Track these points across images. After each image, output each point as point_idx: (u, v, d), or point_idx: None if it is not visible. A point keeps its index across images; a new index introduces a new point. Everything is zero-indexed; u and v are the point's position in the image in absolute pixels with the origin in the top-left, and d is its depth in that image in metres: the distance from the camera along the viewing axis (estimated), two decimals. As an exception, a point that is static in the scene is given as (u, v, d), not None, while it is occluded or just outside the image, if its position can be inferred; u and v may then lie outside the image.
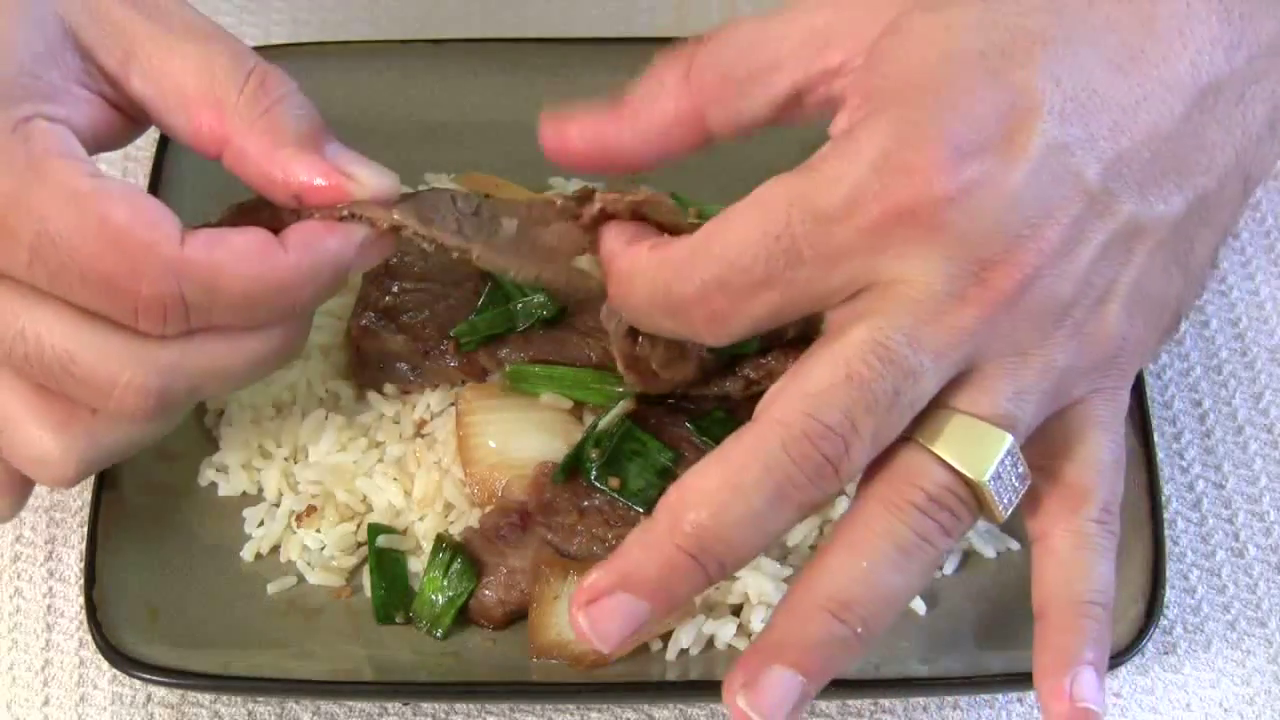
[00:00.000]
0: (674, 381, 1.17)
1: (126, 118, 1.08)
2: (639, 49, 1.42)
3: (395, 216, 1.07)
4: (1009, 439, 1.02)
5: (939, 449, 1.02)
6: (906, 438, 1.02)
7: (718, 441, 1.18)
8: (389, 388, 1.25)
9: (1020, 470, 1.04)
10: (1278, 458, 1.29)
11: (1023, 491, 1.05)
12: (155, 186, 1.31)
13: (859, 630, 1.01)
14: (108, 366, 1.03)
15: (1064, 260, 1.01)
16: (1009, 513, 1.04)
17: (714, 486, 1.00)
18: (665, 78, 1.09)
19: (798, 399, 1.00)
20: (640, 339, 1.14)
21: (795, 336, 1.13)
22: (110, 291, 1.01)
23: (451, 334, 1.24)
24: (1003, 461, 1.02)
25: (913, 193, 0.98)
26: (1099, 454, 1.07)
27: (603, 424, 1.20)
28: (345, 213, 1.06)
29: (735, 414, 1.19)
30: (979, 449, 1.02)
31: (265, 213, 1.08)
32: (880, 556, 1.01)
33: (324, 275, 1.06)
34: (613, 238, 1.08)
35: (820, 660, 1.01)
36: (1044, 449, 1.07)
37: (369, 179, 1.07)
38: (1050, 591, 1.07)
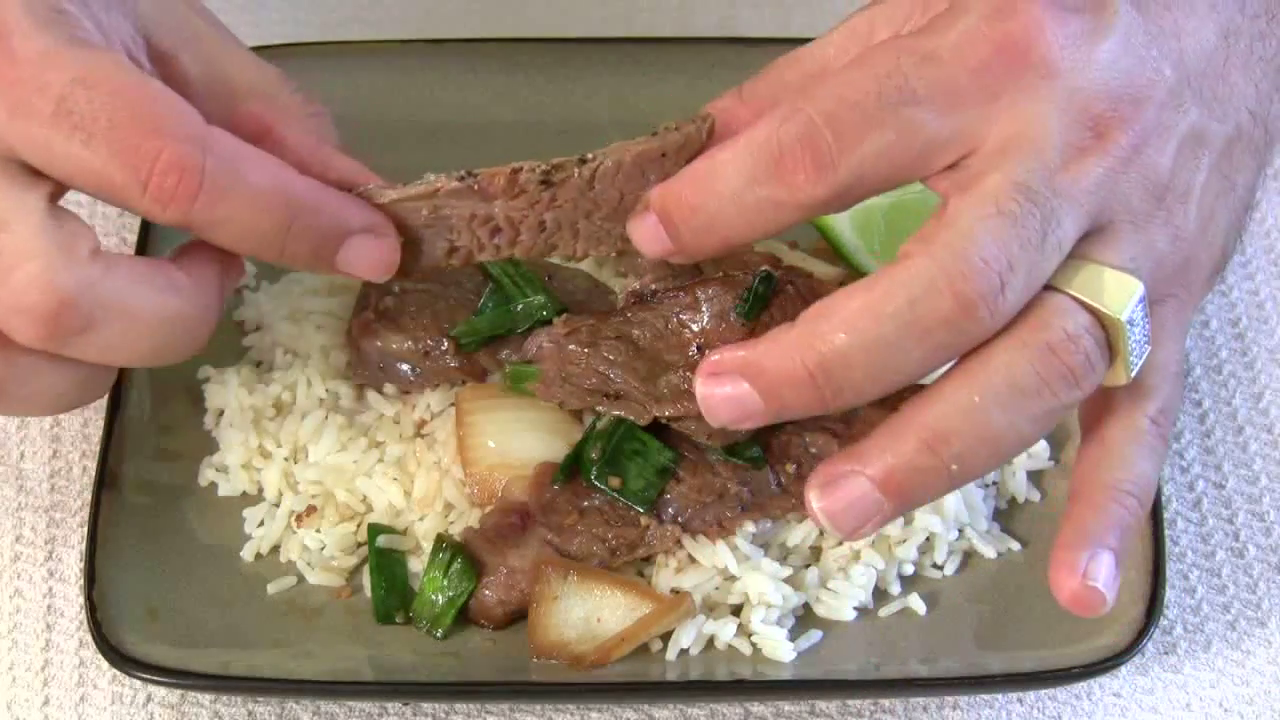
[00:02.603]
0: (753, 427, 1.18)
1: None
2: (639, 49, 1.44)
3: (392, 195, 1.12)
4: (1141, 286, 1.03)
5: (1077, 290, 1.02)
6: (1045, 286, 1.02)
7: (724, 447, 1.19)
8: (389, 388, 1.25)
9: (1147, 329, 1.04)
10: (1278, 458, 1.29)
11: (1146, 354, 1.05)
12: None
13: (952, 467, 1.00)
14: (31, 244, 1.02)
15: (1159, 138, 1.04)
16: (1136, 372, 1.04)
17: (854, 307, 1.00)
18: (718, 105, 1.11)
19: (951, 235, 1.00)
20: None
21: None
22: (133, 144, 1.01)
23: (451, 334, 1.24)
24: (1137, 307, 1.03)
25: (1023, 33, 1.01)
26: (1165, 359, 1.09)
27: (602, 424, 1.20)
28: None
29: None
30: (1116, 291, 1.02)
31: None
32: (991, 392, 1.00)
33: (325, 214, 1.08)
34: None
35: (902, 483, 1.01)
36: None
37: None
38: (1089, 475, 1.08)
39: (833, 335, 1.00)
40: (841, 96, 1.01)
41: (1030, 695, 1.18)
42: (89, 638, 1.15)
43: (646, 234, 1.08)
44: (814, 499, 1.02)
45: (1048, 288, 1.02)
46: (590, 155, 1.11)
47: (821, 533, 1.19)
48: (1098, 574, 1.04)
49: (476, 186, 1.12)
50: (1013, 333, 1.01)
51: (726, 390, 1.02)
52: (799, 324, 1.01)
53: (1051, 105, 1.01)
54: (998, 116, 1.01)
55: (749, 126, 1.03)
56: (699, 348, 1.19)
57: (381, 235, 1.11)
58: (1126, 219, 1.04)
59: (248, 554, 1.21)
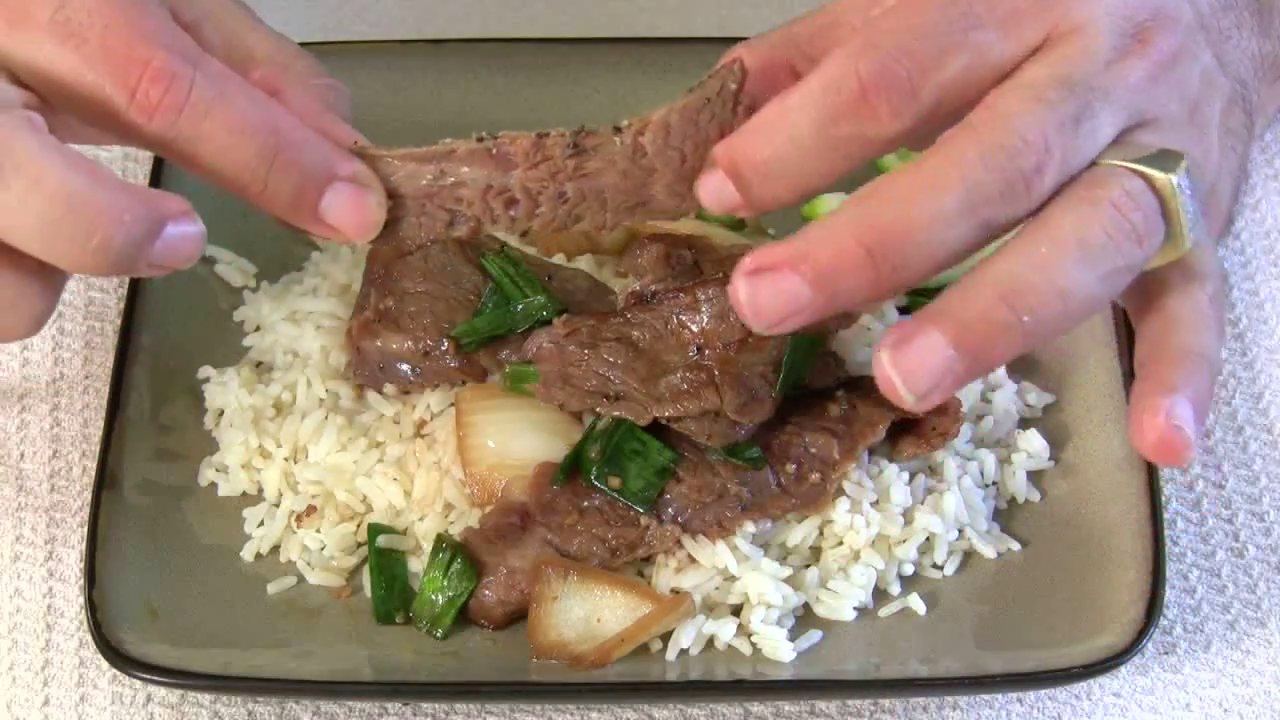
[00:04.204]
0: (752, 427, 1.18)
1: None
2: (639, 49, 1.44)
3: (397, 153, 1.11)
4: (1186, 158, 1.05)
5: (1126, 159, 1.04)
6: (1093, 163, 1.04)
7: (724, 447, 1.19)
8: (389, 388, 1.25)
9: (1196, 206, 1.05)
10: (1278, 458, 1.29)
11: (1199, 226, 1.06)
12: (157, 178, 1.32)
13: (1025, 319, 1.01)
14: None
15: (1189, 57, 1.08)
16: (1189, 240, 1.05)
17: (906, 183, 1.01)
18: (730, 54, 1.12)
19: (991, 116, 1.02)
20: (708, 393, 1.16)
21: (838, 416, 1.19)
22: (125, 51, 1.03)
23: (451, 334, 1.24)
24: (1184, 176, 1.04)
25: None
26: (1210, 255, 1.10)
27: (602, 424, 1.20)
28: None
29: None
30: (1164, 160, 1.04)
31: None
32: (1062, 245, 1.02)
33: (312, 152, 1.08)
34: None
35: (978, 338, 1.01)
36: None
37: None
38: (1158, 341, 1.09)
39: (888, 209, 1.01)
40: (911, 29, 1.03)
41: (1030, 695, 1.18)
42: (89, 638, 1.15)
43: (709, 190, 1.07)
44: (885, 359, 1.01)
45: (1095, 163, 1.04)
46: (626, 122, 1.10)
47: (821, 533, 1.19)
48: (1181, 416, 1.05)
49: (496, 151, 1.10)
50: (1073, 193, 1.03)
51: (772, 285, 1.01)
52: (845, 208, 1.01)
53: (1101, 9, 1.05)
54: (1053, 24, 1.05)
55: (811, 71, 1.04)
56: (699, 348, 1.19)
57: (367, 187, 1.11)
58: (1166, 122, 1.07)
59: (248, 554, 1.21)
